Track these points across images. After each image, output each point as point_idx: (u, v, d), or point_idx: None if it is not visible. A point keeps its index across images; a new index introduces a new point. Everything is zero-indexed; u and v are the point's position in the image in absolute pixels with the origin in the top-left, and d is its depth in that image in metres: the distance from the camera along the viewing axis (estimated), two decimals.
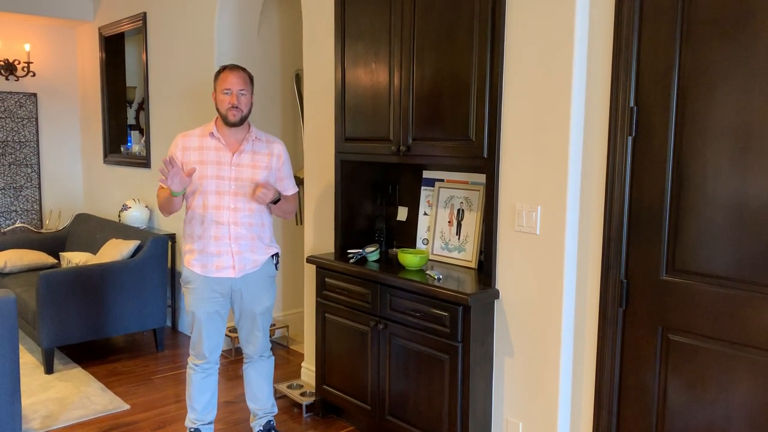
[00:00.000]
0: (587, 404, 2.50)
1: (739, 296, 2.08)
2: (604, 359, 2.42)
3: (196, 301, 2.87)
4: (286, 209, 2.99)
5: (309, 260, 3.36)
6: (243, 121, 2.83)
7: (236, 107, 2.77)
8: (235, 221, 2.82)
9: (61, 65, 6.26)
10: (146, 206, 5.16)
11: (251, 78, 2.88)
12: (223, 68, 2.83)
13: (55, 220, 6.17)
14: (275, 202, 2.85)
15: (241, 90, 2.79)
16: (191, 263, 2.86)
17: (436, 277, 2.79)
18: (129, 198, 5.34)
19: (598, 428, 2.46)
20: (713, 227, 2.13)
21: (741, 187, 2.06)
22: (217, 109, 2.82)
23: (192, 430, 3.00)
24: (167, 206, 2.84)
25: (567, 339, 2.51)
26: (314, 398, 3.49)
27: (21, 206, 6.08)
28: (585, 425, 2.51)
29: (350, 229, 3.41)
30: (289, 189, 3.02)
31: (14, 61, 5.90)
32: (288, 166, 3.00)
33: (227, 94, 2.78)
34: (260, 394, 3.08)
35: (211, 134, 2.83)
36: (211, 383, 3.00)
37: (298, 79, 4.74)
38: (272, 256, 2.98)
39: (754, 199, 2.03)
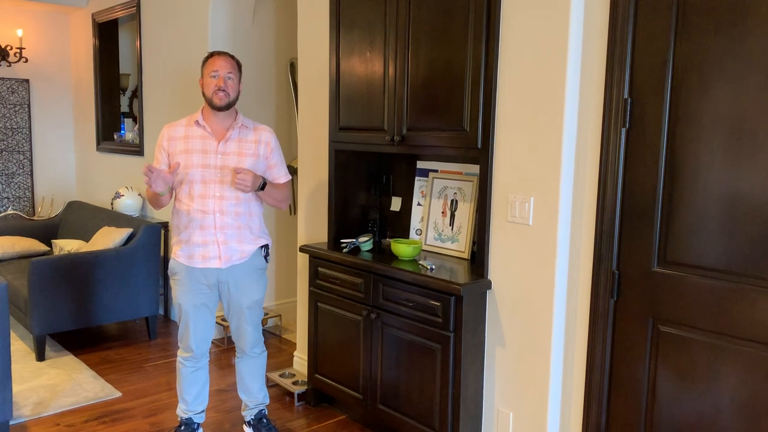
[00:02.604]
0: (578, 394, 2.51)
1: (730, 288, 2.09)
2: (595, 350, 2.43)
3: (182, 293, 2.84)
4: (277, 197, 2.92)
5: (302, 249, 3.36)
6: (230, 106, 2.78)
7: (223, 90, 2.73)
8: (221, 210, 2.77)
9: (54, 51, 6.21)
10: (139, 194, 5.14)
11: (239, 65, 2.85)
12: (211, 54, 2.81)
13: (47, 208, 6.14)
14: (262, 188, 2.80)
15: (229, 73, 2.76)
16: (177, 254, 2.83)
17: (428, 268, 2.79)
18: (122, 186, 5.32)
19: (588, 418, 2.48)
20: (705, 219, 2.14)
21: (733, 180, 2.06)
22: (204, 94, 2.79)
23: (183, 418, 3.00)
24: (155, 202, 2.83)
25: (558, 329, 2.52)
26: (306, 387, 3.49)
27: (13, 193, 6.05)
28: (575, 415, 2.53)
29: (344, 218, 3.40)
30: (281, 177, 2.96)
31: (6, 46, 5.85)
32: (278, 153, 2.94)
33: (214, 77, 2.75)
34: (252, 387, 3.06)
35: (197, 123, 2.80)
36: (201, 376, 2.97)
37: (293, 67, 4.72)
38: (261, 247, 2.92)
39: (746, 192, 2.04)
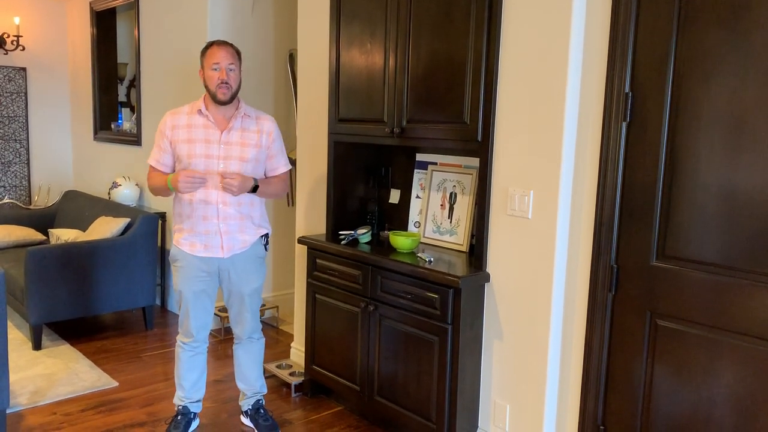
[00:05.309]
0: (575, 388, 2.52)
1: (728, 283, 2.10)
2: (593, 343, 2.44)
3: (183, 279, 2.86)
4: (273, 192, 2.91)
5: (300, 241, 3.35)
6: (233, 98, 2.77)
7: (226, 83, 2.71)
8: (223, 200, 2.77)
9: (52, 40, 6.17)
10: (136, 184, 5.12)
11: (239, 53, 2.82)
12: (210, 44, 2.78)
13: (44, 197, 6.12)
14: (254, 190, 2.78)
15: (231, 65, 2.74)
16: (180, 242, 2.85)
17: (427, 260, 2.79)
18: (119, 175, 5.30)
19: (584, 411, 2.49)
20: (704, 214, 2.14)
21: (732, 175, 2.07)
22: (206, 87, 2.77)
23: (180, 407, 3.00)
24: (163, 193, 2.86)
25: (556, 323, 2.52)
26: (303, 378, 3.50)
27: (9, 182, 6.02)
28: (572, 408, 2.54)
29: (342, 210, 3.40)
30: (281, 167, 2.95)
31: (3, 34, 5.81)
32: (279, 143, 2.93)
33: (216, 69, 2.72)
34: (249, 375, 3.08)
35: (200, 111, 2.78)
36: (200, 362, 2.99)
37: (292, 59, 4.70)
38: (262, 236, 2.94)
39: (745, 187, 2.04)
